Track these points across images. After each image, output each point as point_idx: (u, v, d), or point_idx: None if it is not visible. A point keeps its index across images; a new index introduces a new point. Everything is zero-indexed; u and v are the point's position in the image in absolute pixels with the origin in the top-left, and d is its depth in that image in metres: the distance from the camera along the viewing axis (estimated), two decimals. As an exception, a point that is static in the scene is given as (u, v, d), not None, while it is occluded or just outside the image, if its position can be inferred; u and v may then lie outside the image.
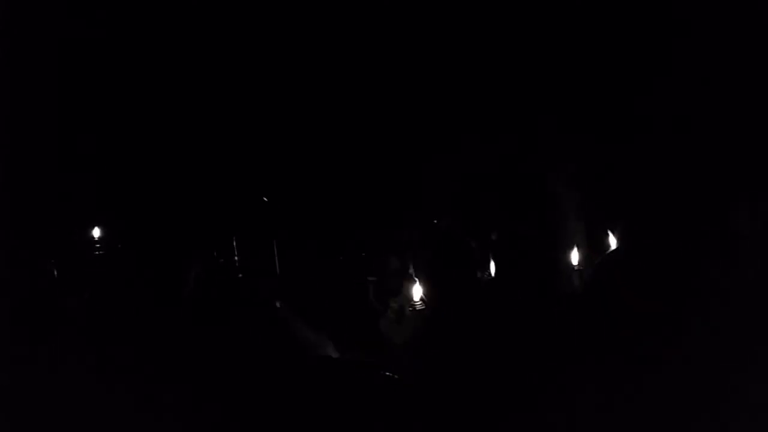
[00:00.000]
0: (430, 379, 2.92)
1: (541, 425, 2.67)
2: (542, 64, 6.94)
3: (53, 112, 6.58)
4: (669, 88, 6.68)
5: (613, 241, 4.50)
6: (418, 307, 4.24)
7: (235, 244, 5.07)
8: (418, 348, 3.20)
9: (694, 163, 6.45)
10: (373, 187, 7.12)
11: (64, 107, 6.63)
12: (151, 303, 3.23)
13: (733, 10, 6.39)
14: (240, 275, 4.97)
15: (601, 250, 4.57)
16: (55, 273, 3.61)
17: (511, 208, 6.36)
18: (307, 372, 2.64)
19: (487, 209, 6.41)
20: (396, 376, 2.85)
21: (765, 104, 6.30)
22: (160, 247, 3.48)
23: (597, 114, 6.97)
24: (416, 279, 4.35)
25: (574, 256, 4.72)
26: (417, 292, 4.30)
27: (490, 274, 3.51)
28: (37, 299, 3.31)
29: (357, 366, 2.80)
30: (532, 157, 6.92)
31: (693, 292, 2.61)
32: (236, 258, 5.01)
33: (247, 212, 5.72)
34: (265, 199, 5.64)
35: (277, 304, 2.75)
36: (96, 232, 4.95)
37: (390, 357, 3.96)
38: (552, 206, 6.23)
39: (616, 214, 4.98)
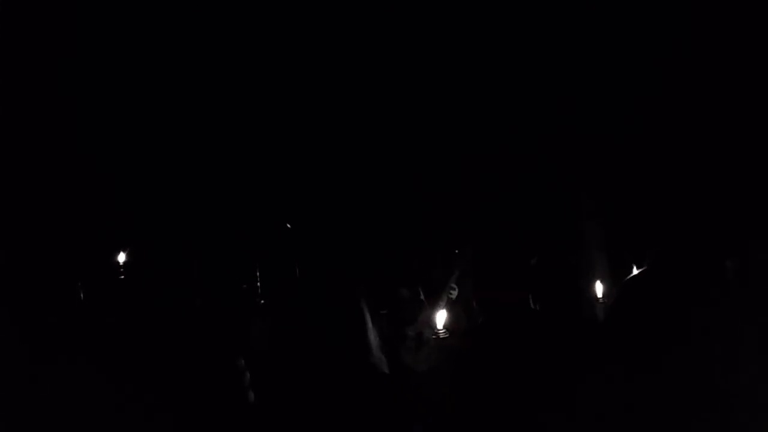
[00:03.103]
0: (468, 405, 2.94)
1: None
2: (558, 78, 6.96)
3: (86, 130, 6.60)
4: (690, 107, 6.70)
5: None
6: (442, 336, 4.09)
7: (258, 272, 5.07)
8: (458, 375, 3.18)
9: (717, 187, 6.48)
10: (384, 213, 7.12)
11: (96, 128, 6.66)
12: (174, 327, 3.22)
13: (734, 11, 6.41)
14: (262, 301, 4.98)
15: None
16: (82, 295, 3.58)
17: (542, 233, 6.36)
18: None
19: (511, 234, 6.40)
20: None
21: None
22: (182, 275, 3.45)
23: (616, 136, 7.00)
24: (440, 306, 4.26)
25: (599, 288, 4.67)
26: (441, 319, 4.16)
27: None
28: (63, 320, 3.30)
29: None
30: (552, 180, 6.95)
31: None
32: (258, 284, 5.00)
33: (271, 239, 5.73)
34: (288, 225, 5.64)
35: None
36: (122, 257, 4.87)
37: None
38: (574, 237, 6.25)
39: (639, 247, 4.97)
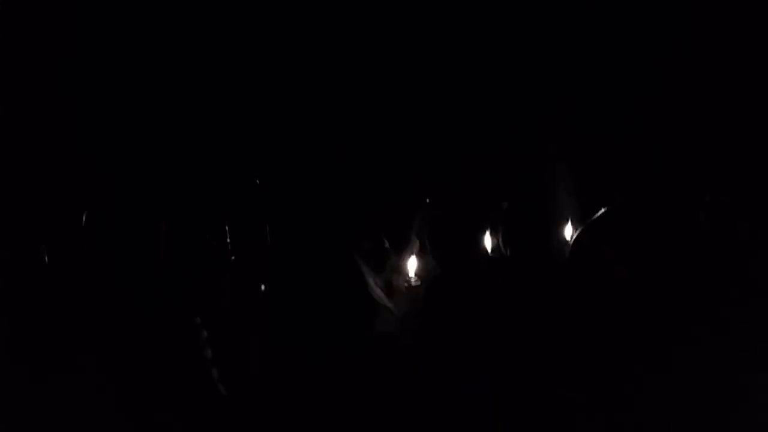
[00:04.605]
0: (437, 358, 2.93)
1: (541, 416, 2.68)
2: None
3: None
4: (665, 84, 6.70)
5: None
6: (414, 283, 4.05)
7: (227, 227, 4.97)
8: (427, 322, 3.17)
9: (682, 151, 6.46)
10: (359, 165, 7.03)
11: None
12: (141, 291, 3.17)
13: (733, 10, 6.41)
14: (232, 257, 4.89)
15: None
16: (46, 259, 3.51)
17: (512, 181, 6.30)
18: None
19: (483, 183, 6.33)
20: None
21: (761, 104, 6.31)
22: (149, 232, 3.36)
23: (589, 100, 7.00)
24: (412, 253, 4.20)
25: (567, 230, 4.68)
26: (412, 267, 4.10)
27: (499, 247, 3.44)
28: (26, 286, 3.24)
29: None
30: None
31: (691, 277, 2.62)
32: (228, 241, 4.91)
33: (239, 194, 5.63)
34: (257, 181, 5.56)
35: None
36: (84, 219, 4.74)
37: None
38: (543, 180, 6.21)
39: (608, 189, 4.94)
